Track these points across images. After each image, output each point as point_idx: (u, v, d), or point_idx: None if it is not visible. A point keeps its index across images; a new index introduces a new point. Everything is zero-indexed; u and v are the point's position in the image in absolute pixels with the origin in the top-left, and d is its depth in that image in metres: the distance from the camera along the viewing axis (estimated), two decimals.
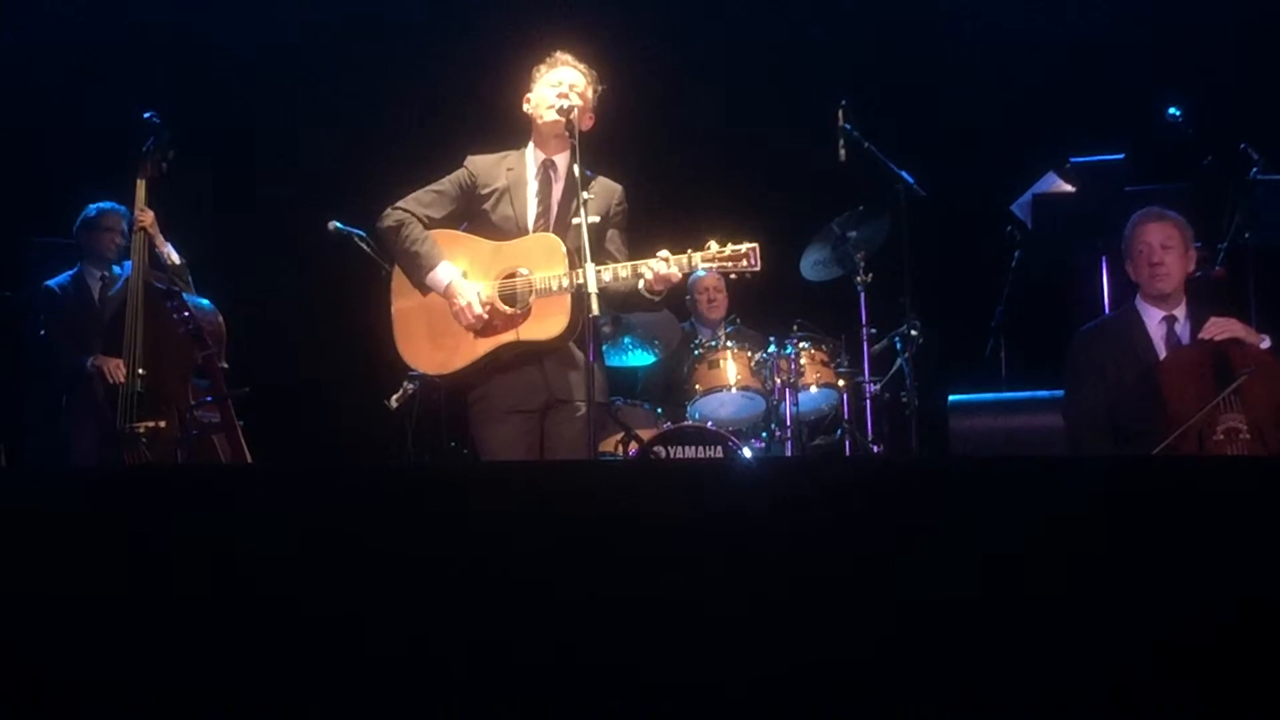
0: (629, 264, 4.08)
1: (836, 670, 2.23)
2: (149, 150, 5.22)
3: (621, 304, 4.34)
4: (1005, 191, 6.10)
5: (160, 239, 5.42)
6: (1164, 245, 4.59)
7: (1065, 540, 2.29)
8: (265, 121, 6.87)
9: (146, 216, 5.29)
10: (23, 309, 6.30)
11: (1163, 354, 4.56)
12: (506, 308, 4.14)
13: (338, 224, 5.46)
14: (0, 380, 6.55)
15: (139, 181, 5.27)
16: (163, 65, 6.80)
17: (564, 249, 4.10)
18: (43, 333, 5.76)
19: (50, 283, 5.85)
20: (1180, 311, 4.64)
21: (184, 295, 5.20)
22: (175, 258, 5.50)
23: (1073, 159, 5.89)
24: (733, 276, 4.09)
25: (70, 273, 5.87)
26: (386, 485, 2.45)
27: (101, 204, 5.85)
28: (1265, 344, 4.47)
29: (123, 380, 5.13)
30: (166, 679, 2.24)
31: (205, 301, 5.39)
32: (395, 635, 2.25)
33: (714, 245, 4.04)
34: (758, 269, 4.03)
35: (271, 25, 6.95)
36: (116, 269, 5.79)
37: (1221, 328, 4.41)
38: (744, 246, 4.03)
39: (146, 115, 5.23)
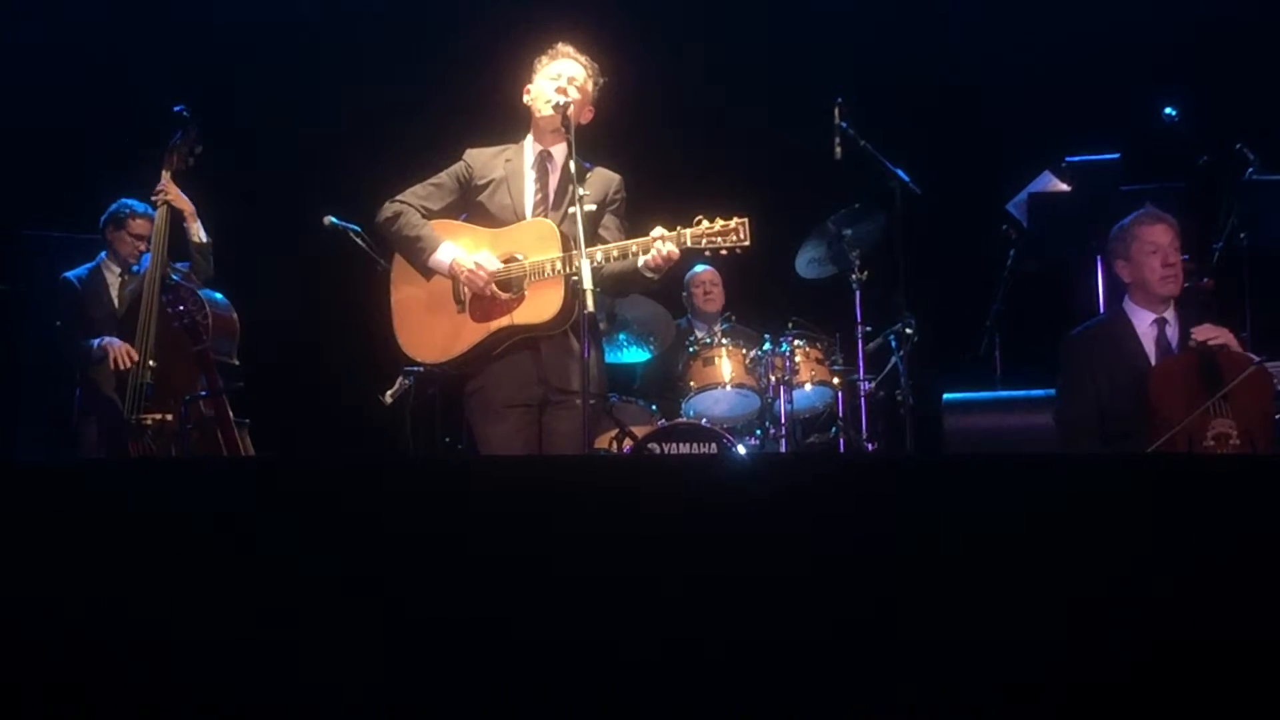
0: (618, 244, 4.09)
1: (825, 656, 2.24)
2: (176, 143, 5.20)
3: (617, 285, 4.33)
4: (1001, 190, 6.11)
5: (192, 212, 5.38)
6: (1173, 245, 4.53)
7: (1058, 537, 2.29)
8: (259, 115, 6.85)
9: (172, 190, 5.24)
10: (18, 302, 6.29)
11: (1154, 357, 4.52)
12: (502, 293, 4.15)
13: (333, 219, 5.45)
14: None
15: (165, 174, 5.25)
16: (161, 59, 6.80)
17: (558, 233, 4.12)
18: (58, 323, 5.71)
19: (69, 274, 5.77)
20: (1170, 314, 4.60)
21: (198, 291, 5.18)
22: (203, 236, 5.44)
23: (1068, 158, 5.90)
24: (723, 253, 4.03)
25: (90, 265, 5.80)
26: (386, 478, 2.45)
27: (134, 204, 5.70)
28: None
29: (127, 365, 5.12)
30: (165, 672, 2.24)
31: (219, 296, 5.35)
32: (392, 624, 2.26)
33: (704, 222, 4.02)
34: (748, 244, 4.00)
35: (268, 18, 6.94)
36: (135, 268, 5.73)
37: (1214, 333, 4.39)
38: (734, 221, 4.01)
39: (177, 109, 5.22)
